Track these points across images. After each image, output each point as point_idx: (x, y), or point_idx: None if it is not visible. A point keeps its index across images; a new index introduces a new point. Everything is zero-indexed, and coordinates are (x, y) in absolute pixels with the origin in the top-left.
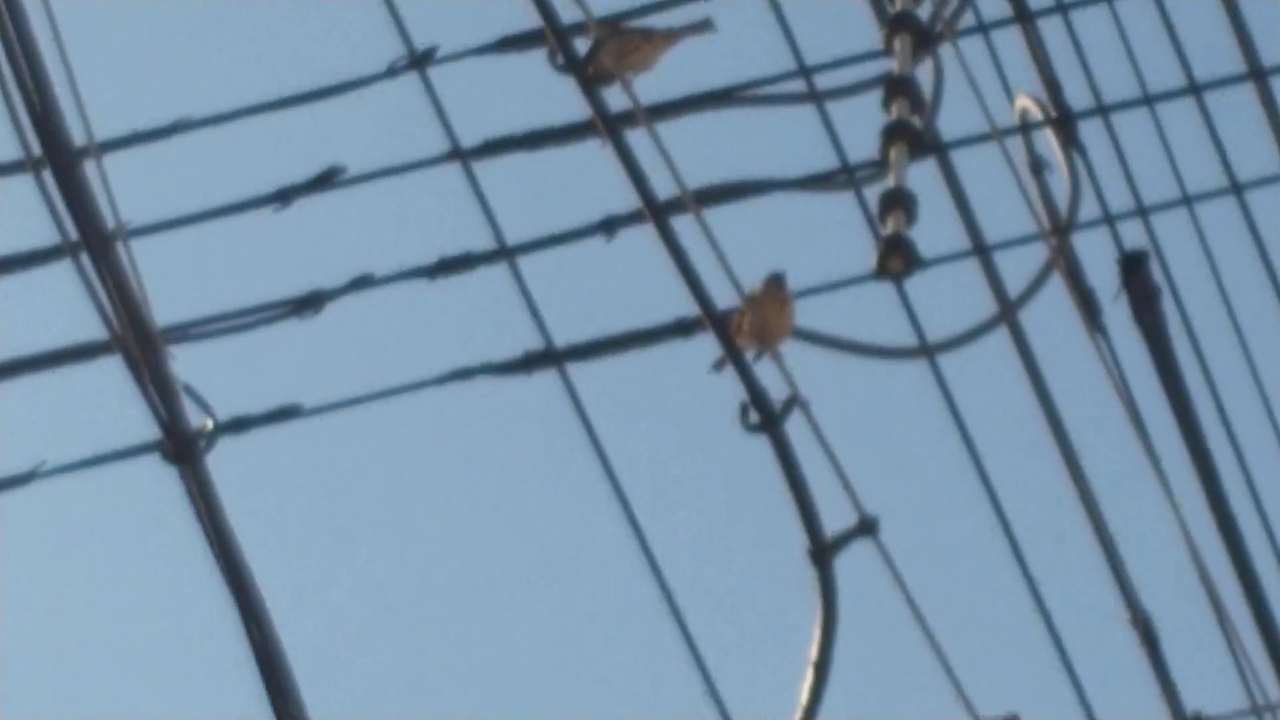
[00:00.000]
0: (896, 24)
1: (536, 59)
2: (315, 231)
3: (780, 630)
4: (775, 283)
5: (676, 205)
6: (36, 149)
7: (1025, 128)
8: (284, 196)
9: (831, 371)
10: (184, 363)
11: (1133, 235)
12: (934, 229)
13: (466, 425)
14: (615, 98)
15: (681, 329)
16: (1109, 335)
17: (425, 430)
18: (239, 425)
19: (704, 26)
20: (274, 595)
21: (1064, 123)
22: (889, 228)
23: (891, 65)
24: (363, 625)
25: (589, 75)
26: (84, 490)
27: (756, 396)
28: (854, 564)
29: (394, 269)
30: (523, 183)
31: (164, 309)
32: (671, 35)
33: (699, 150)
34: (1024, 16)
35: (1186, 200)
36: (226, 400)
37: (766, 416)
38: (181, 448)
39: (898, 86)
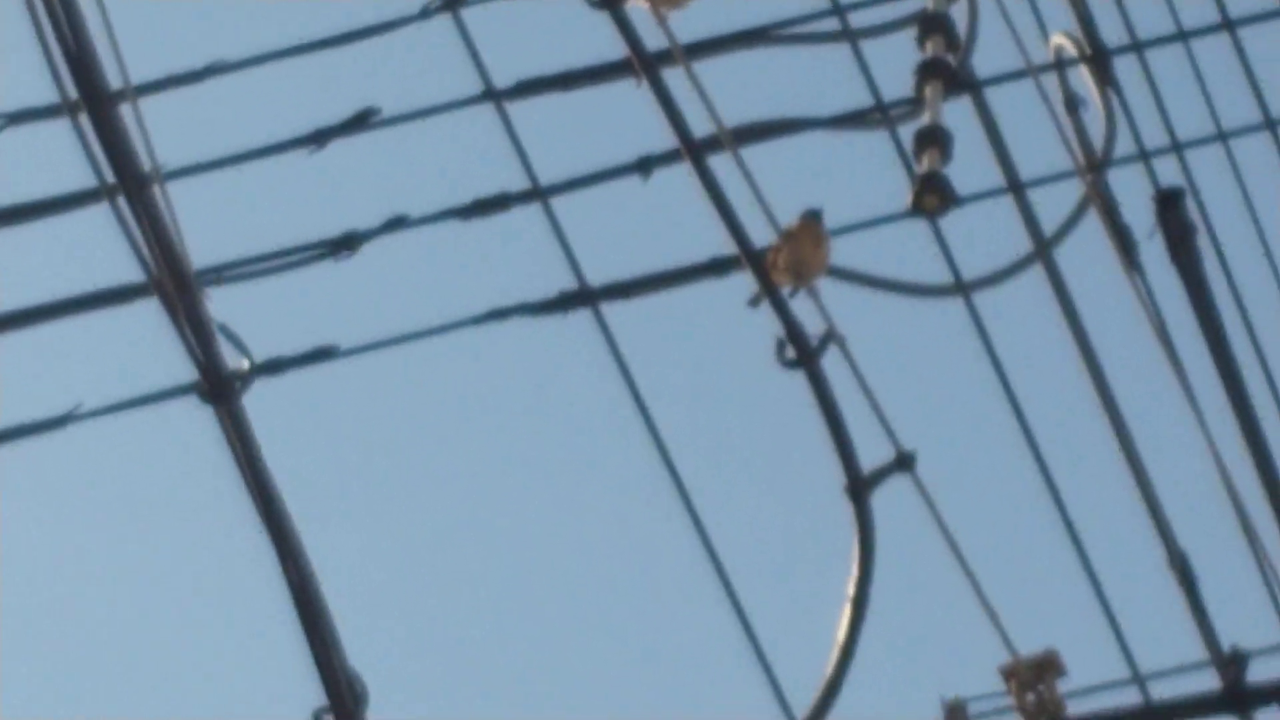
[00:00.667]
0: None
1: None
2: (350, 173)
3: (817, 566)
4: (811, 218)
5: (713, 144)
6: (72, 92)
7: (1060, 65)
8: (319, 138)
9: (867, 308)
10: (220, 304)
11: (1168, 172)
12: (968, 167)
13: (502, 365)
14: (650, 36)
15: (717, 267)
16: (1144, 272)
17: (461, 370)
18: (275, 366)
19: None
20: (310, 536)
21: (1099, 60)
22: (924, 165)
23: (926, 3)
24: (399, 565)
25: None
26: (121, 432)
27: (793, 332)
28: (891, 500)
29: (429, 210)
30: (557, 122)
31: (200, 251)
32: None
33: (732, 89)
34: None
35: (1222, 136)
36: (263, 341)
37: (803, 352)
38: (218, 388)
39: (932, 24)
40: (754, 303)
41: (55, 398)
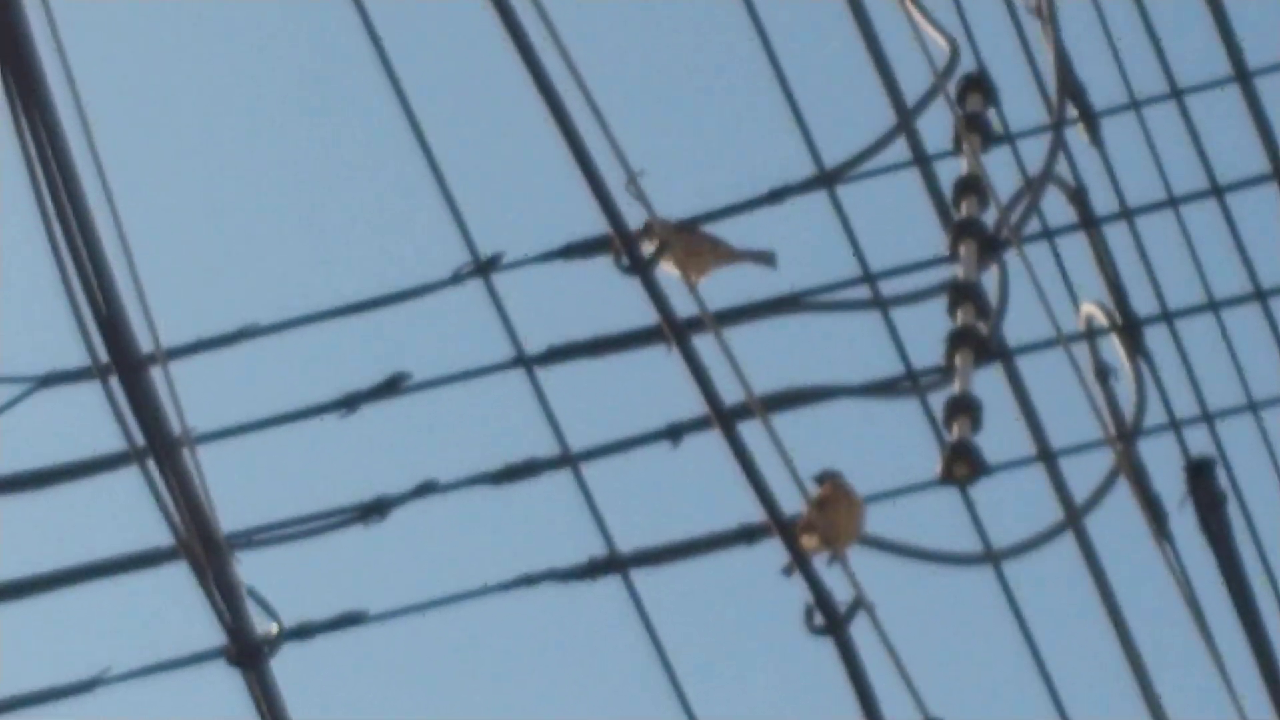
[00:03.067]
0: (962, 230)
1: (602, 263)
2: (381, 437)
3: None
4: (837, 483)
5: (742, 411)
6: (103, 355)
7: (1091, 334)
8: (350, 403)
9: (897, 574)
10: (250, 568)
11: (1199, 440)
12: (1000, 435)
13: (532, 632)
14: (681, 302)
15: (746, 535)
16: (1174, 541)
17: (491, 637)
18: (304, 631)
19: (767, 259)
20: None
21: (1130, 329)
22: (954, 434)
23: (957, 271)
24: None
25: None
26: (149, 695)
27: (821, 599)
28: None
29: (459, 475)
30: (587, 388)
31: (230, 514)
32: (735, 255)
33: (764, 355)
34: (1089, 223)
35: (1252, 406)
36: (292, 606)
37: (831, 619)
38: (246, 653)
39: (963, 292)
40: (787, 571)
41: (85, 660)
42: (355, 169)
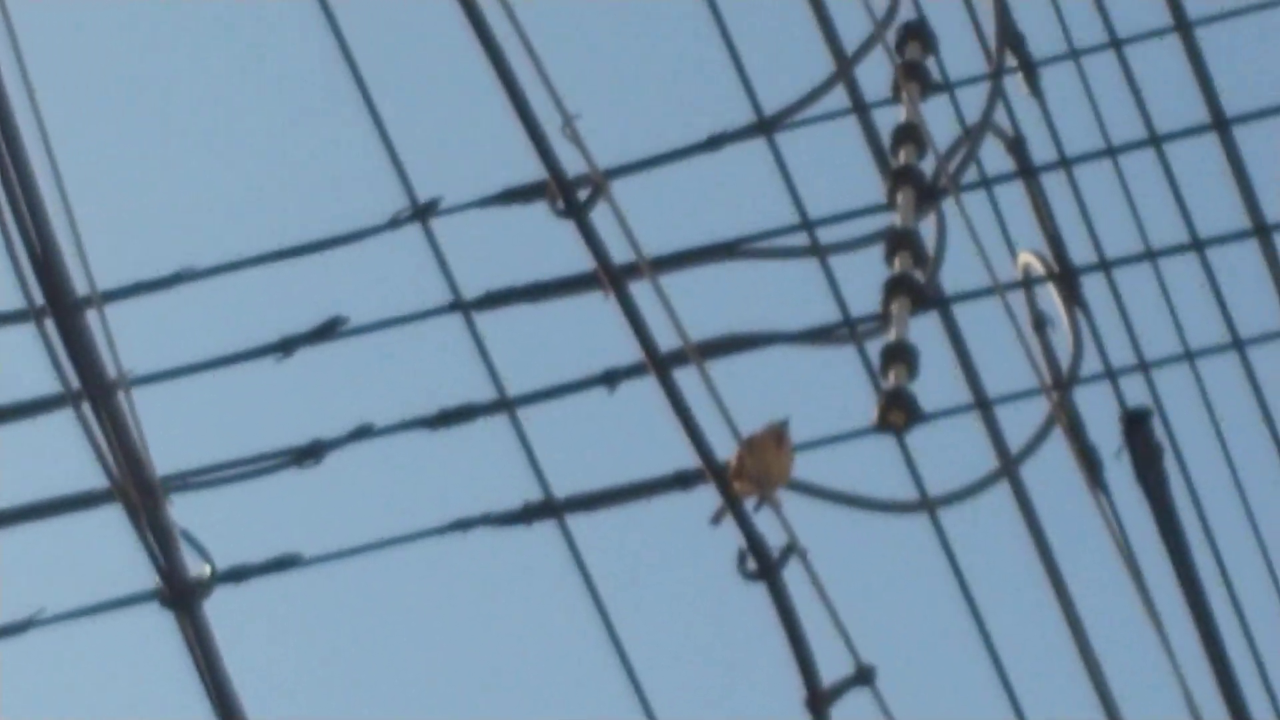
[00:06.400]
0: (900, 178)
1: (540, 209)
2: (317, 381)
3: None
4: (776, 428)
5: (678, 357)
6: (38, 297)
7: (1028, 283)
8: (286, 346)
9: (831, 521)
10: (184, 511)
11: (1135, 390)
12: (935, 383)
13: (467, 576)
14: (617, 249)
15: (681, 481)
16: (1110, 492)
17: (426, 581)
18: (238, 574)
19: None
20: None
21: (1066, 278)
22: (890, 381)
23: (894, 219)
24: None
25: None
26: (83, 637)
27: (754, 544)
28: (851, 713)
29: (395, 419)
30: (524, 333)
31: (164, 457)
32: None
33: (701, 302)
34: (1027, 171)
35: (1189, 356)
36: (226, 549)
37: (764, 565)
38: (179, 595)
39: (900, 240)
40: (716, 519)
41: (18, 602)
42: (293, 113)
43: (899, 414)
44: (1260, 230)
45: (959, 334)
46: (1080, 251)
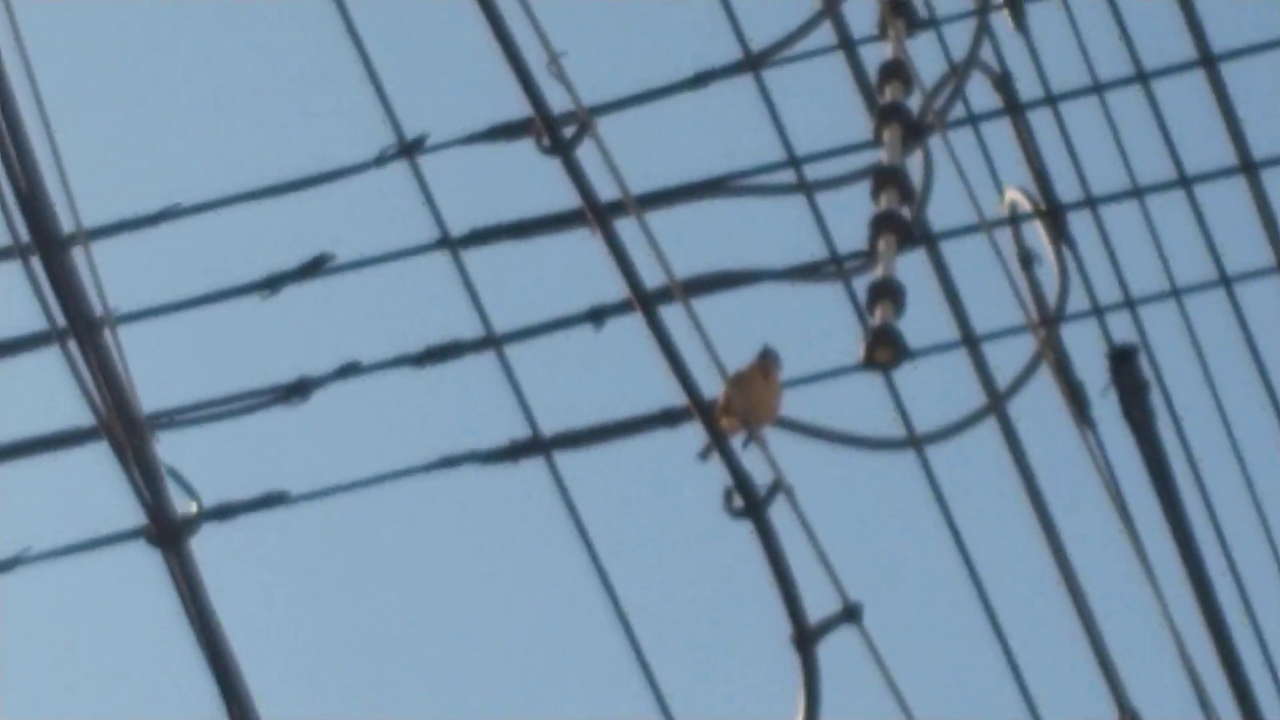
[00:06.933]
0: (886, 115)
1: (526, 146)
2: (303, 318)
3: (764, 716)
4: (764, 361)
5: (665, 295)
6: (24, 235)
7: (1014, 220)
8: (272, 284)
9: (818, 458)
10: (170, 448)
11: (1121, 327)
12: (923, 320)
13: (454, 513)
14: (603, 186)
15: (668, 418)
16: (1097, 428)
17: (413, 518)
18: (224, 512)
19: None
20: (256, 680)
21: (1053, 215)
22: (877, 318)
23: (881, 156)
24: (346, 711)
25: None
26: (70, 573)
27: (741, 482)
28: (838, 650)
29: (382, 356)
30: (511, 270)
31: (151, 395)
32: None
33: (688, 239)
34: (1014, 109)
35: (1175, 293)
36: (213, 486)
37: (750, 502)
38: (166, 533)
39: (887, 177)
40: (703, 456)
41: (5, 540)
42: (280, 49)
43: (886, 351)
44: (1247, 167)
45: (946, 271)
46: (1067, 188)
